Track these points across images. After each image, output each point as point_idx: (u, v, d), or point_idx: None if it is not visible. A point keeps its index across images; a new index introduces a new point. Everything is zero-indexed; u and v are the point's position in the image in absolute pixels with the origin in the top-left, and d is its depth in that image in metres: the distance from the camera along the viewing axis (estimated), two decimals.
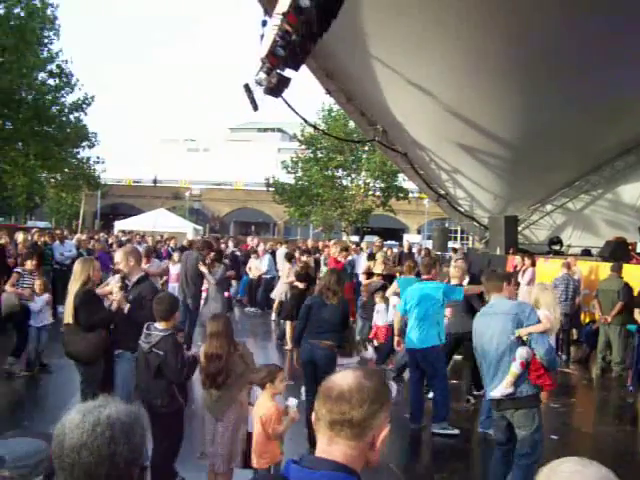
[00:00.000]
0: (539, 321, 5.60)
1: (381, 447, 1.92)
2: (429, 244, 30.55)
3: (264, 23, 9.17)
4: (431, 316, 8.13)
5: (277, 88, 9.67)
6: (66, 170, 37.28)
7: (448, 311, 9.25)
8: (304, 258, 15.68)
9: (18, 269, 10.78)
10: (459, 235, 53.65)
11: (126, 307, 6.50)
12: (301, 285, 12.95)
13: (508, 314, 5.59)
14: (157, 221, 24.90)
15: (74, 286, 6.74)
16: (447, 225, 38.03)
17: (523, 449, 5.57)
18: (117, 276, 7.06)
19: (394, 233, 60.28)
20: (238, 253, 20.35)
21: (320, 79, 13.77)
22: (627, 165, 16.35)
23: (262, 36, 9.12)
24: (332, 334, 7.52)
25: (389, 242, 40.85)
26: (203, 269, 11.63)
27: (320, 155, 44.89)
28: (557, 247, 17.54)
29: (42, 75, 32.86)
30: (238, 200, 72.29)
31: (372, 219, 49.04)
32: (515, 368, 5.44)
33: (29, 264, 10.71)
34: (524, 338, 5.55)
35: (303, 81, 11.74)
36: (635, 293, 11.25)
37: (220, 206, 71.83)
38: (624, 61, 10.46)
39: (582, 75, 10.92)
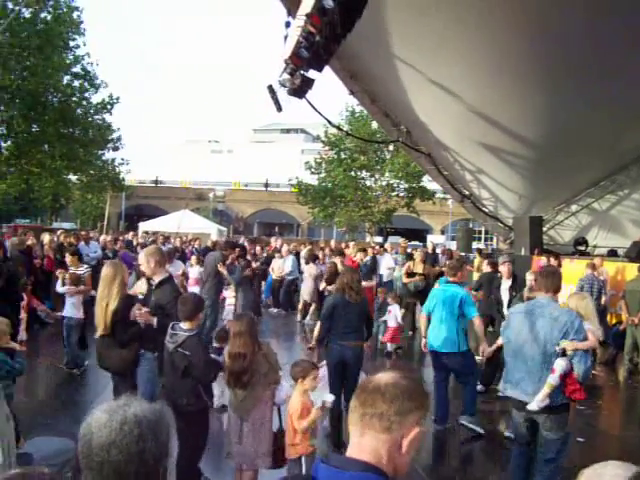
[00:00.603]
0: (585, 337, 5.45)
1: (410, 450, 1.92)
2: (453, 245, 30.44)
3: (287, 24, 9.16)
4: (452, 319, 8.10)
5: (301, 89, 9.67)
6: (91, 172, 37.63)
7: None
8: (331, 259, 15.72)
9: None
10: (483, 236, 53.44)
11: (154, 321, 6.49)
12: (331, 287, 12.98)
13: (557, 321, 5.41)
14: (181, 222, 24.98)
15: (107, 291, 6.68)
16: (471, 226, 37.84)
17: (548, 454, 5.49)
18: (143, 280, 7.10)
19: (418, 234, 60.14)
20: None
21: (344, 80, 13.76)
22: None
23: (286, 37, 9.12)
24: (359, 333, 7.53)
25: (413, 243, 40.76)
26: (222, 270, 11.67)
27: (344, 156, 44.89)
28: (583, 248, 17.41)
29: (67, 77, 33.16)
30: (262, 201, 72.49)
31: (396, 220, 48.98)
32: (553, 380, 5.29)
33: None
34: (568, 353, 5.38)
35: (326, 82, 11.78)
36: None
37: (244, 207, 72.06)
38: None
39: (607, 73, 10.81)
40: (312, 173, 46.92)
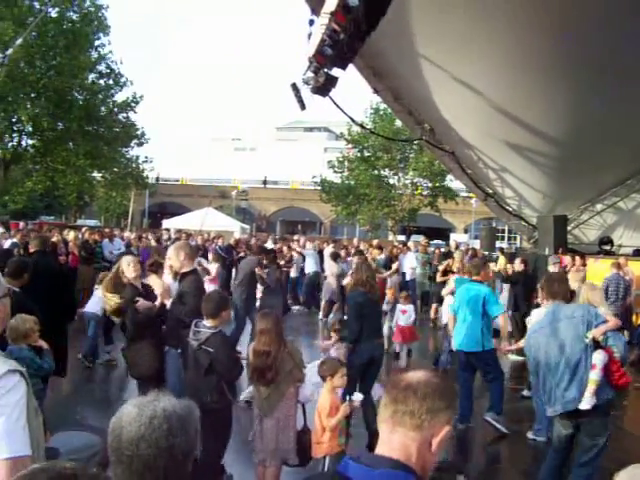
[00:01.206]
0: (605, 320, 5.44)
1: (439, 449, 1.92)
2: (476, 244, 30.30)
3: (311, 22, 9.15)
4: (475, 318, 8.07)
5: (324, 87, 9.66)
6: (115, 169, 37.87)
7: None
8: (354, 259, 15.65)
9: None
10: (506, 235, 53.14)
11: (168, 302, 6.60)
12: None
13: (574, 317, 5.41)
14: (205, 220, 25.08)
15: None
16: (494, 225, 37.66)
17: (586, 457, 5.46)
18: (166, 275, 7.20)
19: (441, 233, 59.94)
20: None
21: (367, 78, 13.73)
22: None
23: (309, 35, 9.11)
24: (381, 330, 7.55)
25: (435, 242, 40.63)
26: (261, 273, 11.70)
27: (367, 154, 44.85)
28: (608, 247, 17.26)
29: (92, 75, 33.44)
30: (285, 199, 72.58)
31: (418, 218, 48.91)
32: (596, 375, 5.26)
33: None
34: (600, 339, 5.37)
35: (350, 80, 11.77)
36: None
37: (267, 205, 72.21)
38: None
39: (632, 71, 10.71)
40: (335, 171, 46.94)
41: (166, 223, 34.19)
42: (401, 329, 12.01)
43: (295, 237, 25.53)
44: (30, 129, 32.12)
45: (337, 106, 11.78)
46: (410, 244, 21.79)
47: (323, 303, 16.42)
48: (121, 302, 6.97)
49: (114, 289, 7.20)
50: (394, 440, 1.90)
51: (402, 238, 46.77)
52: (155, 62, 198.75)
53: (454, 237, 44.57)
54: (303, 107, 10.97)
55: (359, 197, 45.43)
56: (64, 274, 8.06)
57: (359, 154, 45.59)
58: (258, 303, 11.77)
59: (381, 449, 1.93)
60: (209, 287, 12.50)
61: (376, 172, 45.37)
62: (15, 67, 28.17)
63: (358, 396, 5.54)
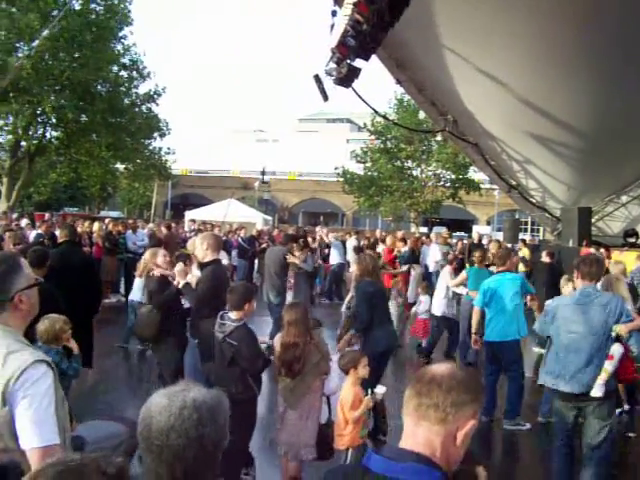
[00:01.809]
0: (632, 318, 5.51)
1: (464, 443, 1.91)
2: (499, 236, 30.16)
3: (334, 13, 9.13)
4: (510, 309, 8.03)
5: (347, 78, 9.64)
6: (138, 160, 38.07)
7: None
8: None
9: None
10: (529, 227, 52.82)
11: (182, 282, 6.61)
12: None
13: (608, 307, 5.45)
14: (228, 211, 25.12)
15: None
16: (517, 217, 37.45)
17: (597, 440, 5.50)
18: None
19: (463, 224, 59.73)
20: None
21: (390, 69, 13.68)
22: None
23: (332, 26, 9.09)
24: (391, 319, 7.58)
25: (458, 233, 40.51)
26: (295, 260, 11.72)
27: (390, 145, 44.75)
28: (632, 239, 17.10)
29: (116, 67, 33.63)
30: (307, 190, 72.58)
31: (441, 210, 48.73)
32: (611, 366, 5.35)
33: None
34: (624, 335, 5.48)
35: (373, 71, 11.75)
36: None
37: (289, 196, 72.27)
38: None
39: None
40: (358, 162, 46.89)
41: (189, 214, 34.28)
42: (418, 321, 11.97)
43: (317, 229, 25.51)
44: (54, 121, 32.37)
45: (360, 97, 11.75)
46: (432, 236, 21.72)
47: (349, 295, 16.41)
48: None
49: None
50: (418, 434, 1.89)
51: (424, 230, 46.66)
52: (176, 54, 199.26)
53: (477, 229, 44.34)
54: (326, 98, 10.96)
55: (381, 188, 45.35)
56: (91, 265, 8.08)
57: (382, 145, 45.50)
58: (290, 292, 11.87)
59: (405, 442, 1.92)
60: None
61: (399, 163, 45.26)
62: (40, 59, 28.38)
63: (381, 389, 5.54)
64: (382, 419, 7.04)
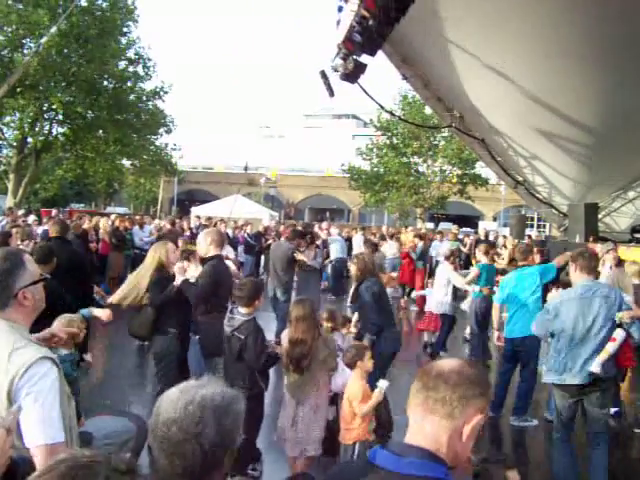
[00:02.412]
0: (629, 307, 5.79)
1: (471, 438, 1.90)
2: (505, 231, 30.11)
3: (340, 9, 9.12)
4: (530, 303, 8.00)
5: (353, 74, 9.64)
6: (144, 157, 38.12)
7: None
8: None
9: None
10: (536, 222, 52.69)
11: (180, 279, 6.55)
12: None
13: (610, 299, 5.62)
14: (234, 207, 25.11)
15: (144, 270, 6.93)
16: (524, 212, 37.33)
17: (598, 427, 5.72)
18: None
19: (469, 220, 59.60)
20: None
21: (396, 64, 13.64)
22: None
23: (338, 22, 9.08)
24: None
25: (464, 229, 40.48)
26: (304, 257, 11.70)
27: (396, 141, 44.71)
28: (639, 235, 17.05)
29: (122, 63, 33.67)
30: (313, 186, 72.54)
31: (447, 206, 48.62)
32: (612, 348, 5.55)
33: None
34: (626, 321, 5.66)
35: (378, 67, 11.65)
36: None
37: (295, 192, 72.22)
38: None
39: None
40: (364, 159, 46.86)
41: (195, 210, 34.30)
42: (430, 316, 11.94)
43: (323, 224, 25.52)
44: (61, 117, 32.44)
45: (366, 93, 11.74)
46: (445, 232, 21.70)
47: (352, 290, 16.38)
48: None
49: None
50: (425, 429, 1.88)
51: (430, 226, 46.62)
52: (181, 49, 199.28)
53: (483, 225, 44.33)
54: (332, 94, 10.96)
55: (387, 184, 45.31)
56: (81, 261, 8.05)
57: (388, 141, 45.46)
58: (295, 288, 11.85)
59: (411, 438, 1.92)
60: None
61: (405, 159, 45.20)
62: (47, 55, 28.42)
63: (384, 383, 5.54)
64: (387, 414, 7.01)
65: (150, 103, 36.31)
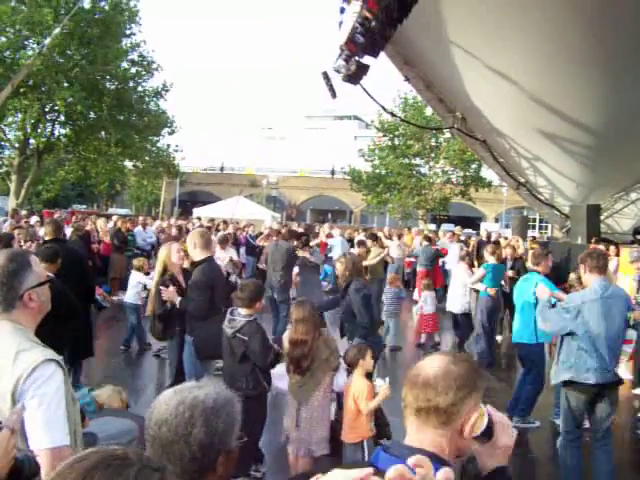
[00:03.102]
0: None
1: (473, 432, 1.89)
2: (507, 233, 30.09)
3: (342, 10, 9.12)
4: (524, 311, 7.95)
5: (356, 75, 9.64)
6: (147, 158, 38.13)
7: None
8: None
9: None
10: (538, 224, 52.68)
11: (177, 300, 6.66)
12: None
13: (623, 298, 5.76)
14: (236, 208, 25.15)
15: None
16: (526, 214, 37.31)
17: (607, 422, 5.82)
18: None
19: (471, 222, 59.56)
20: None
21: (398, 66, 13.66)
22: None
23: (340, 23, 9.08)
24: None
25: (466, 231, 40.45)
26: (305, 254, 11.74)
27: (397, 143, 44.69)
28: None
29: (125, 64, 33.67)
30: (315, 188, 72.52)
31: (449, 207, 48.59)
32: (630, 349, 5.81)
33: None
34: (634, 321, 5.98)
35: (379, 69, 11.63)
36: None
37: (297, 194, 72.22)
38: None
39: None
40: (365, 160, 46.85)
41: (197, 212, 34.30)
42: (425, 317, 11.96)
43: (325, 225, 25.53)
44: (63, 118, 32.44)
45: (368, 94, 11.75)
46: (440, 233, 21.71)
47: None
48: None
49: None
50: (423, 438, 1.87)
51: (432, 227, 46.58)
52: (183, 51, 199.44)
53: (485, 226, 44.28)
54: (334, 95, 10.96)
55: (389, 186, 45.29)
56: (79, 261, 8.03)
57: (389, 143, 45.43)
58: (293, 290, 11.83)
59: (411, 440, 1.91)
60: None
61: (407, 161, 45.17)
62: (50, 56, 28.41)
63: (380, 381, 5.54)
64: (382, 416, 6.94)
65: (152, 103, 36.30)
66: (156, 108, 36.75)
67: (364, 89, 10.97)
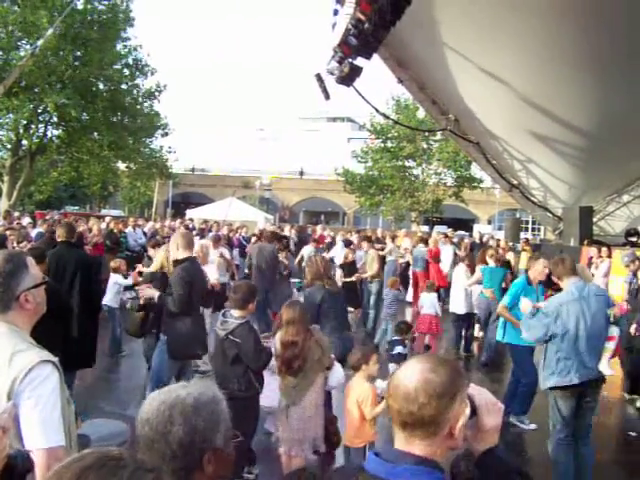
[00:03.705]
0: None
1: (462, 433, 1.87)
2: (500, 235, 30.19)
3: (336, 12, 9.14)
4: (513, 312, 7.96)
5: (349, 77, 9.66)
6: (139, 159, 38.05)
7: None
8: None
9: None
10: (530, 226, 52.79)
11: (156, 295, 6.66)
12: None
13: (600, 295, 5.81)
14: (229, 210, 25.12)
15: None
16: (518, 216, 37.41)
17: (588, 422, 5.90)
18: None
19: (464, 224, 59.60)
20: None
21: (392, 68, 13.69)
22: None
23: (334, 25, 9.10)
24: (347, 323, 7.47)
25: (459, 232, 40.50)
26: (285, 260, 11.72)
27: (390, 145, 44.76)
28: (634, 239, 17.05)
29: (118, 66, 33.61)
30: (308, 189, 72.46)
31: (442, 209, 48.67)
32: (612, 345, 5.81)
33: None
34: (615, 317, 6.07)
35: (371, 71, 11.65)
36: None
37: (290, 195, 72.14)
38: None
39: None
40: (359, 162, 46.91)
41: (190, 213, 34.25)
42: (423, 318, 11.93)
43: (318, 227, 25.52)
44: (55, 119, 32.34)
45: (361, 96, 11.76)
46: (433, 235, 21.71)
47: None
48: None
49: None
50: (412, 449, 1.83)
51: (425, 229, 46.63)
52: (176, 51, 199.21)
53: (478, 228, 44.34)
54: (327, 97, 10.99)
55: (382, 188, 45.35)
56: (89, 266, 7.96)
57: (382, 145, 45.49)
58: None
59: (400, 446, 1.87)
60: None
61: (399, 163, 45.23)
62: (43, 57, 28.31)
63: (381, 383, 5.55)
64: None
65: (145, 104, 36.22)
66: (149, 110, 36.67)
67: (357, 91, 11.00)
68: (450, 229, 25.50)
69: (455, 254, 17.99)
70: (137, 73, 34.68)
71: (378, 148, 45.75)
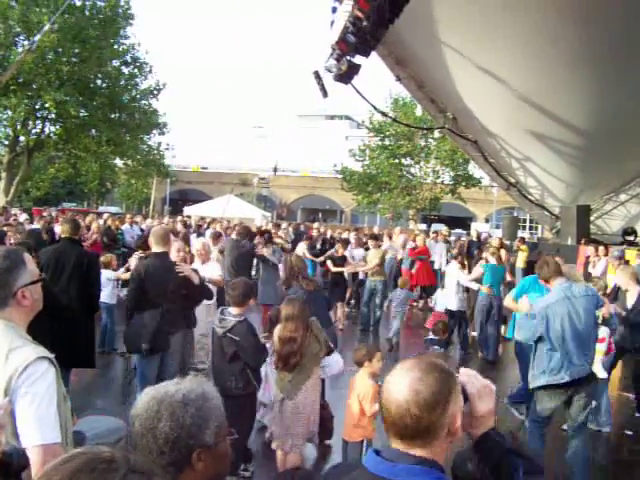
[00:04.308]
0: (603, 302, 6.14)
1: (460, 427, 1.86)
2: (498, 233, 30.17)
3: (334, 9, 9.12)
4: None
5: (347, 75, 9.64)
6: (137, 156, 38.00)
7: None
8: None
9: None
10: (528, 224, 52.80)
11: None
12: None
13: (588, 295, 5.80)
14: (227, 207, 25.07)
15: None
16: (516, 214, 37.41)
17: (583, 415, 5.89)
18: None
19: (462, 222, 59.67)
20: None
21: (390, 65, 13.67)
22: None
23: (332, 22, 9.08)
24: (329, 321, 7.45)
25: (456, 231, 40.50)
26: (266, 253, 11.69)
27: (388, 143, 44.77)
28: (631, 238, 17.06)
29: (116, 63, 33.57)
30: (305, 187, 72.49)
31: (439, 207, 48.72)
32: (605, 347, 6.01)
33: None
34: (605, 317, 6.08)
35: (369, 69, 11.58)
36: None
37: (287, 193, 72.17)
38: None
39: None
40: (356, 160, 46.91)
41: (187, 210, 34.21)
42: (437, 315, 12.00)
43: (315, 224, 25.52)
44: (53, 116, 32.30)
45: (359, 94, 11.76)
46: (431, 233, 21.73)
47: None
48: None
49: None
50: (414, 452, 1.81)
51: (423, 227, 46.66)
52: (175, 49, 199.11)
53: (475, 226, 44.35)
54: (325, 95, 10.97)
55: (380, 186, 45.37)
56: (90, 263, 7.91)
57: (380, 142, 45.50)
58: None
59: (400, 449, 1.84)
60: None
61: (397, 160, 45.25)
62: (41, 54, 28.27)
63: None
64: None
65: (144, 102, 36.16)
66: (147, 107, 36.59)
67: (355, 88, 10.99)
68: (445, 227, 25.47)
69: (447, 251, 18.08)
70: (135, 71, 34.63)
71: (376, 146, 45.76)
